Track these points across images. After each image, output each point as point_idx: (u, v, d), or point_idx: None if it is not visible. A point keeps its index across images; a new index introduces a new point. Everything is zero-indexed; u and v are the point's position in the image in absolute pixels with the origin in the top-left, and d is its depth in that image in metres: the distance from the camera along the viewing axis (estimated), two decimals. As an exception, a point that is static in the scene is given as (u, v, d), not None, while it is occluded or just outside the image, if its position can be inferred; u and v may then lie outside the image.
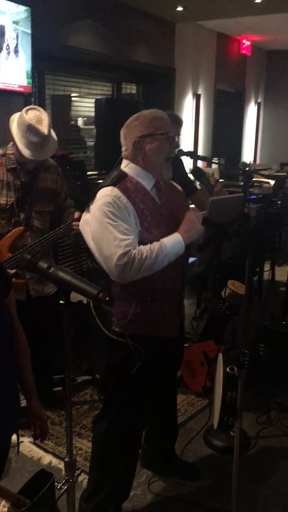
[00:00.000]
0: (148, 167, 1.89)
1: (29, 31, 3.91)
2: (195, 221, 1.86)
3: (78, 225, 2.32)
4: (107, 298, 1.17)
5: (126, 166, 1.90)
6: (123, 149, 1.93)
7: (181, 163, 3.19)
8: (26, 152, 2.40)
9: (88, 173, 4.71)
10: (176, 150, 2.64)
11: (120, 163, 1.94)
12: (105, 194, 1.81)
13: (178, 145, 1.92)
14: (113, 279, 1.82)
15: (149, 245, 1.80)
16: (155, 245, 1.80)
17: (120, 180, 1.85)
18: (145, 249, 1.78)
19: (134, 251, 1.75)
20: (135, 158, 1.89)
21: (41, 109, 2.47)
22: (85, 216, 1.90)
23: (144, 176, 1.89)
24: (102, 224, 1.78)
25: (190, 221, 1.87)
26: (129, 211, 1.81)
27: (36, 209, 2.58)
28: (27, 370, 1.52)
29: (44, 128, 2.39)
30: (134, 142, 1.87)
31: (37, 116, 2.41)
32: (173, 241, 1.82)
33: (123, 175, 1.88)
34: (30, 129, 2.37)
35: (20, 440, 1.58)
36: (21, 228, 2.51)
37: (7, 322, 1.33)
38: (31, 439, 2.68)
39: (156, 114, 1.91)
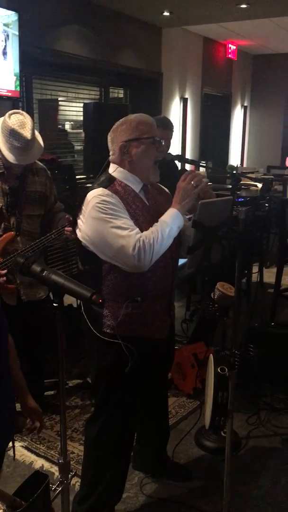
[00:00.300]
0: (135, 170, 1.91)
1: (17, 33, 3.92)
2: (186, 187, 1.88)
3: (69, 230, 2.35)
4: (100, 300, 1.18)
5: (114, 170, 1.93)
6: (110, 153, 1.95)
7: (176, 167, 3.22)
8: (10, 156, 2.41)
9: (77, 177, 4.72)
10: (164, 154, 2.66)
11: (108, 167, 1.96)
12: (97, 194, 1.82)
13: (165, 149, 1.95)
14: (130, 271, 1.82)
15: (150, 229, 1.83)
16: (157, 225, 1.83)
17: (109, 184, 1.88)
18: (149, 232, 1.81)
19: (142, 238, 1.77)
20: (122, 162, 1.91)
21: (25, 113, 2.47)
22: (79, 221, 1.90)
23: (132, 179, 1.91)
24: (102, 221, 1.78)
25: (182, 190, 1.89)
26: (122, 208, 1.83)
27: (26, 213, 2.58)
28: (17, 370, 1.54)
29: (27, 132, 2.40)
30: (120, 147, 1.89)
31: (20, 121, 2.41)
32: (171, 216, 1.85)
33: (112, 179, 1.90)
34: (12, 134, 2.38)
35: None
36: (12, 233, 2.51)
37: (3, 325, 1.35)
38: (23, 444, 2.70)
39: (141, 118, 1.93)
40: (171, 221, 1.84)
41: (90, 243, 1.85)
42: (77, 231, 1.90)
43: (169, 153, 2.89)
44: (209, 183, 1.94)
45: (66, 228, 2.43)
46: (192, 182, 1.88)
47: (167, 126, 3.16)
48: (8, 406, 1.41)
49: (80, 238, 1.89)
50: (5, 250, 2.48)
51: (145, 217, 1.88)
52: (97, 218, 1.79)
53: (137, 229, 1.80)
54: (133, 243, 1.75)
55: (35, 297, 2.66)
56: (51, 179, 2.73)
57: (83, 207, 1.85)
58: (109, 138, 1.95)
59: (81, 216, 1.87)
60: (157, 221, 1.88)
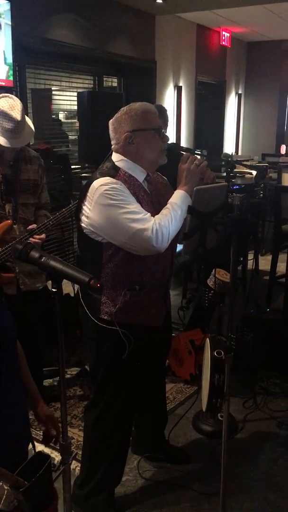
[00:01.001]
0: (139, 160, 1.91)
1: (10, 22, 3.90)
2: (189, 168, 1.91)
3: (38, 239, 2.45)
4: (98, 285, 1.20)
5: (118, 160, 1.92)
6: (113, 142, 1.93)
7: (177, 156, 3.24)
8: (2, 140, 2.41)
9: (72, 166, 4.72)
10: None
11: (110, 156, 1.96)
12: (105, 182, 1.83)
13: (168, 138, 1.96)
14: (144, 253, 1.85)
15: (162, 211, 1.87)
16: (168, 208, 1.88)
17: (115, 173, 1.88)
18: (162, 215, 1.85)
19: (157, 221, 1.81)
20: (126, 152, 1.91)
21: (14, 97, 2.48)
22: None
23: (136, 169, 1.92)
24: (114, 207, 1.79)
25: (185, 171, 1.92)
26: (130, 195, 1.85)
27: (21, 201, 2.59)
28: (28, 376, 1.51)
29: (17, 114, 2.40)
30: (126, 137, 1.88)
31: (10, 103, 2.41)
32: (179, 198, 1.89)
33: (116, 168, 1.90)
34: (3, 116, 2.38)
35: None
36: (9, 221, 2.52)
37: (12, 329, 1.35)
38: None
39: (146, 108, 1.92)
40: (180, 203, 1.89)
41: (99, 230, 1.86)
42: (83, 218, 1.90)
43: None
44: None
45: (34, 237, 2.47)
46: (195, 162, 1.92)
47: (161, 114, 3.18)
48: (20, 415, 1.39)
49: (85, 225, 1.89)
50: (3, 240, 2.48)
51: (149, 207, 1.90)
52: (108, 204, 1.81)
53: (149, 213, 1.83)
54: (151, 226, 1.79)
55: (34, 287, 2.68)
56: (43, 167, 2.73)
57: (89, 195, 1.85)
58: (111, 126, 1.93)
59: (86, 204, 1.87)
60: (158, 211, 1.90)
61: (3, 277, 2.49)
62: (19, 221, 2.57)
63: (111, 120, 1.94)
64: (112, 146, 1.95)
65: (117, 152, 1.93)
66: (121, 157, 1.92)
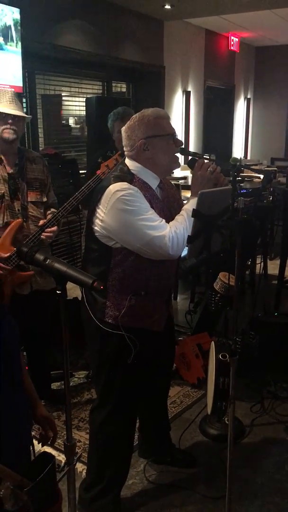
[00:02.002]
0: (153, 167, 1.92)
1: (19, 28, 3.96)
2: (204, 175, 1.92)
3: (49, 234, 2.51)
4: (101, 287, 1.21)
5: (132, 166, 1.92)
6: (126, 149, 1.93)
7: None
8: (6, 110, 2.49)
9: (80, 171, 4.76)
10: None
11: (122, 162, 1.97)
12: (122, 187, 1.83)
13: (182, 143, 1.97)
14: (158, 259, 1.88)
15: (176, 218, 1.90)
16: (183, 214, 1.90)
17: (131, 179, 1.88)
18: (177, 222, 1.87)
19: (173, 228, 1.84)
20: (141, 158, 1.91)
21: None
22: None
23: (149, 176, 1.93)
24: (131, 213, 1.81)
25: (200, 177, 1.93)
26: (146, 202, 1.86)
27: (30, 199, 2.62)
28: (27, 379, 1.53)
29: (7, 89, 2.48)
30: (140, 144, 1.88)
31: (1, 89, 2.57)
32: (194, 205, 1.88)
33: (131, 174, 1.90)
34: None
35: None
36: (20, 220, 2.55)
37: (16, 338, 1.36)
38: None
39: (159, 114, 1.92)
40: None
41: (113, 234, 1.87)
42: (96, 221, 1.90)
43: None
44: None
45: (45, 231, 2.52)
46: (210, 169, 1.93)
47: (125, 117, 3.18)
48: (22, 418, 1.41)
49: (98, 229, 1.90)
50: (16, 239, 2.52)
51: (162, 214, 1.91)
52: (124, 210, 1.82)
53: (164, 220, 1.85)
54: (167, 234, 1.81)
55: (44, 286, 2.71)
56: (47, 167, 2.78)
57: (104, 199, 1.86)
58: (124, 134, 1.93)
59: (100, 207, 1.88)
60: (170, 218, 1.92)
61: (22, 275, 2.53)
62: (30, 218, 2.61)
63: (123, 128, 1.94)
64: (126, 153, 1.95)
65: (130, 158, 1.93)
66: (135, 163, 1.92)
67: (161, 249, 1.83)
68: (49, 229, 2.54)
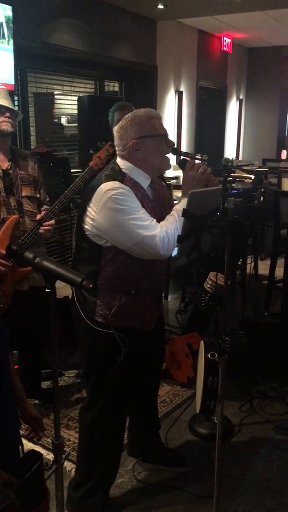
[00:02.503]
0: (145, 167, 1.92)
1: (12, 26, 3.94)
2: (195, 176, 1.93)
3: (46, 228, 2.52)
4: (90, 286, 1.22)
5: (123, 165, 1.92)
6: (118, 149, 1.93)
7: None
8: (2, 101, 2.52)
9: (72, 170, 4.75)
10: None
11: (114, 162, 1.97)
12: (113, 187, 1.84)
13: (173, 144, 1.98)
14: (148, 258, 1.89)
15: (167, 218, 1.91)
16: (173, 215, 1.91)
17: (122, 178, 1.88)
18: (168, 222, 1.88)
19: (164, 228, 1.85)
20: (132, 158, 1.91)
21: None
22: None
23: (140, 176, 1.93)
24: (122, 212, 1.81)
25: (191, 178, 1.94)
26: (137, 201, 1.87)
27: (24, 194, 2.63)
28: (15, 377, 1.52)
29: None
30: (133, 144, 1.88)
31: None
32: (184, 205, 1.89)
33: (122, 173, 1.91)
34: None
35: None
36: (16, 216, 2.56)
37: (3, 338, 1.36)
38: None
39: (151, 114, 1.93)
40: None
41: (103, 233, 1.88)
42: (87, 220, 1.90)
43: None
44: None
45: (43, 225, 2.53)
46: (201, 170, 1.94)
47: (125, 107, 3.20)
48: (12, 420, 1.40)
49: (89, 228, 1.90)
50: (14, 236, 2.53)
51: (153, 214, 1.91)
52: (115, 209, 1.82)
53: (155, 220, 1.86)
54: (158, 233, 1.82)
55: (41, 283, 2.71)
56: (39, 165, 2.79)
57: (95, 198, 1.86)
58: (116, 134, 1.93)
59: (91, 206, 1.88)
60: (161, 218, 1.92)
61: (23, 271, 2.53)
62: (26, 214, 2.61)
63: (116, 128, 1.94)
64: (118, 152, 1.95)
65: (122, 158, 1.93)
66: (127, 163, 1.92)
67: (151, 248, 1.84)
68: (46, 223, 2.55)
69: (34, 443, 2.67)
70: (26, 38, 4.40)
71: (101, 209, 1.84)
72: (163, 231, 1.84)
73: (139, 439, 2.51)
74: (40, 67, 5.06)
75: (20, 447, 1.50)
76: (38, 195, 2.71)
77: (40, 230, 2.54)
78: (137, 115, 1.91)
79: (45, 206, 2.75)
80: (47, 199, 2.82)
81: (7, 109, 2.53)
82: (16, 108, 2.66)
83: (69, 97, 5.68)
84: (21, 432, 1.62)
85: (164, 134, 1.93)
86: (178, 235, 1.83)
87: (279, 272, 4.50)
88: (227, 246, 1.71)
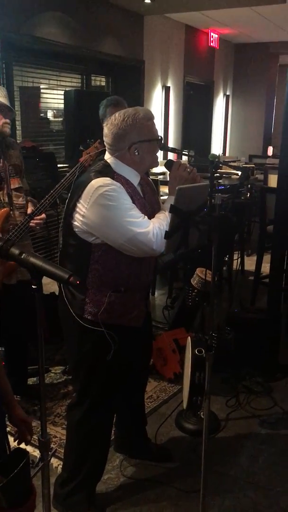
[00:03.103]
0: (137, 166, 1.91)
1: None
2: (182, 175, 1.95)
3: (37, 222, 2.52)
4: (78, 282, 1.20)
5: (113, 163, 1.90)
6: (112, 148, 1.89)
7: None
8: (6, 102, 2.52)
9: (58, 165, 4.71)
10: None
11: (102, 159, 1.95)
12: (105, 183, 1.82)
13: (162, 145, 1.98)
14: (140, 255, 1.89)
15: (157, 216, 1.92)
16: (163, 212, 1.92)
17: (112, 175, 1.86)
18: (159, 219, 1.89)
19: (156, 224, 1.86)
20: (125, 159, 1.89)
21: None
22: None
23: (131, 173, 1.91)
24: (114, 208, 1.80)
25: (178, 177, 1.95)
26: (129, 198, 1.86)
27: (13, 187, 2.62)
28: (3, 377, 1.50)
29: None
30: (131, 148, 1.86)
31: None
32: (172, 202, 1.89)
33: (111, 171, 1.88)
34: None
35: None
36: (7, 209, 2.54)
37: None
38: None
39: (150, 116, 1.90)
40: None
41: (94, 230, 1.86)
42: (76, 216, 1.88)
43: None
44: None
45: (34, 219, 2.52)
46: (188, 170, 1.95)
47: (119, 103, 3.21)
48: None
49: (79, 224, 1.88)
50: (3, 229, 2.51)
51: (143, 211, 1.91)
52: (107, 205, 1.80)
53: (146, 216, 1.86)
54: (151, 229, 1.82)
55: (28, 277, 2.69)
56: (21, 151, 2.79)
57: (85, 194, 1.84)
58: (110, 132, 1.87)
59: (81, 202, 1.85)
60: (151, 215, 1.92)
61: (12, 265, 2.51)
62: (15, 207, 2.60)
63: (111, 125, 1.87)
64: (109, 151, 1.92)
65: (115, 157, 1.90)
66: (118, 161, 1.90)
67: (145, 245, 1.83)
68: (38, 217, 2.55)
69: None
70: (12, 31, 4.35)
71: (92, 206, 1.82)
72: (156, 228, 1.84)
73: (126, 435, 2.51)
74: (26, 61, 5.01)
75: (6, 443, 1.49)
76: (21, 185, 2.70)
77: (31, 224, 2.52)
78: (138, 118, 1.85)
79: (29, 198, 2.74)
80: (28, 188, 2.82)
81: (10, 109, 2.52)
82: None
83: (55, 91, 5.63)
84: (8, 429, 1.60)
85: (160, 138, 1.94)
86: (166, 230, 1.83)
87: (265, 268, 4.53)
88: (214, 242, 1.71)
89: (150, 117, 1.90)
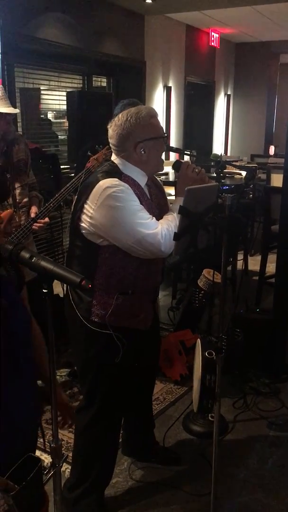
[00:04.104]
0: (144, 166, 1.89)
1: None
2: (190, 176, 1.94)
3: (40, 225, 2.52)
4: (89, 286, 1.18)
5: (121, 164, 1.88)
6: (118, 149, 1.88)
7: None
8: (3, 109, 2.47)
9: (61, 166, 4.69)
10: None
11: (110, 160, 1.94)
12: (113, 184, 1.80)
13: (167, 142, 1.98)
14: (149, 257, 1.88)
15: (165, 217, 1.91)
16: (172, 214, 1.90)
17: (120, 176, 1.85)
18: (167, 221, 1.87)
19: (164, 226, 1.84)
20: (133, 159, 1.87)
21: None
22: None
23: (138, 174, 1.90)
24: (122, 209, 1.78)
25: (186, 178, 1.94)
26: (137, 199, 1.84)
27: (18, 184, 2.60)
28: (45, 361, 1.45)
29: None
30: (137, 147, 1.84)
31: None
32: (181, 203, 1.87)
33: (119, 171, 1.87)
34: None
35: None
36: (10, 210, 2.52)
37: (25, 322, 1.32)
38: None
39: (153, 113, 1.89)
40: None
41: (102, 231, 1.84)
42: (83, 217, 1.86)
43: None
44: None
45: (38, 221, 2.51)
46: (196, 170, 1.94)
47: (135, 104, 3.19)
48: (28, 422, 1.36)
49: (86, 226, 1.86)
50: (6, 231, 2.48)
51: (151, 212, 1.89)
52: (115, 206, 1.78)
53: (154, 218, 1.85)
54: (159, 230, 1.81)
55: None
56: (27, 144, 2.77)
57: (93, 195, 1.82)
58: (115, 133, 1.86)
59: (89, 203, 1.83)
60: (158, 217, 1.90)
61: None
62: (19, 208, 2.58)
63: (115, 126, 1.86)
64: (116, 152, 1.90)
65: (121, 157, 1.88)
66: (125, 161, 1.88)
67: (153, 247, 1.82)
68: (42, 221, 2.54)
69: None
70: (13, 32, 4.33)
71: (100, 207, 1.80)
72: (164, 229, 1.83)
73: (134, 438, 2.49)
74: (27, 62, 4.99)
75: (39, 433, 1.46)
76: (28, 179, 2.69)
77: (33, 227, 2.51)
78: (141, 116, 1.84)
79: (34, 192, 2.72)
80: (35, 181, 2.81)
81: (11, 115, 2.51)
82: (10, 105, 2.58)
83: (56, 93, 5.61)
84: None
85: (166, 135, 1.93)
86: (175, 232, 1.81)
87: (269, 268, 4.51)
88: (224, 244, 1.69)
89: (153, 115, 1.89)
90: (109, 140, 1.91)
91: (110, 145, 1.92)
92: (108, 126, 1.90)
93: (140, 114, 1.85)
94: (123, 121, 1.84)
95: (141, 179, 1.91)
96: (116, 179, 1.82)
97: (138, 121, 1.83)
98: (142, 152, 1.85)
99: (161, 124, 1.93)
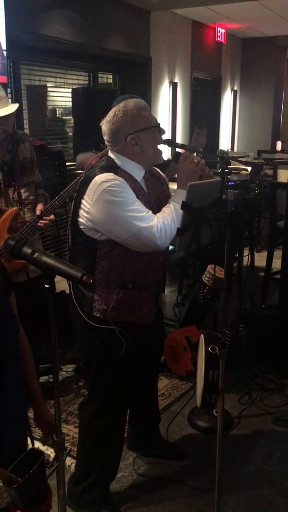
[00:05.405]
0: (139, 159, 1.90)
1: (4, 18, 3.88)
2: (190, 167, 1.93)
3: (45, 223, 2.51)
4: (91, 281, 1.19)
5: (117, 159, 1.89)
6: (111, 143, 1.89)
7: None
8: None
9: (67, 163, 4.70)
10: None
11: (106, 156, 1.95)
12: (108, 178, 1.81)
13: (164, 131, 1.96)
14: (145, 250, 1.87)
15: (163, 210, 1.89)
16: (169, 206, 1.89)
17: (116, 171, 1.86)
18: (164, 214, 1.86)
19: (160, 219, 1.83)
20: (127, 153, 1.88)
21: None
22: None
23: (135, 168, 1.90)
24: (118, 203, 1.79)
25: (185, 170, 1.93)
26: (133, 193, 1.84)
27: (23, 182, 2.60)
28: (33, 378, 1.48)
29: None
30: (129, 139, 1.85)
31: None
32: (180, 197, 1.89)
33: (115, 166, 1.88)
34: None
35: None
36: (16, 208, 2.53)
37: (12, 329, 1.32)
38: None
39: (141, 105, 1.90)
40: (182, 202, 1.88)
41: (99, 226, 1.85)
42: (81, 213, 1.87)
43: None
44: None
45: (44, 218, 2.52)
46: (195, 161, 1.93)
47: None
48: (18, 422, 1.36)
49: (84, 221, 1.87)
50: (11, 228, 2.50)
51: (148, 205, 1.89)
52: (111, 201, 1.79)
53: (151, 211, 1.84)
54: (155, 224, 1.80)
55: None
56: (32, 144, 2.76)
57: (89, 190, 1.83)
58: (107, 128, 1.88)
59: (86, 199, 1.85)
60: (156, 211, 1.90)
61: (18, 263, 2.51)
62: (25, 205, 2.59)
63: (106, 123, 1.88)
64: (110, 148, 1.91)
65: (116, 152, 1.90)
66: (120, 156, 1.89)
67: (149, 240, 1.81)
68: (47, 218, 2.54)
69: (34, 438, 2.66)
70: (19, 29, 4.34)
71: (96, 202, 1.82)
72: (160, 222, 1.82)
73: (139, 433, 2.50)
74: (33, 59, 5.00)
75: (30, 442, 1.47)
76: (34, 178, 2.69)
77: (39, 224, 2.52)
78: (129, 109, 1.86)
79: (40, 191, 2.72)
80: (41, 179, 2.81)
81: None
82: (10, 102, 2.56)
83: (62, 89, 5.62)
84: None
85: (158, 124, 1.91)
86: (178, 228, 1.81)
87: (275, 264, 4.50)
88: (227, 239, 1.69)
89: (140, 107, 1.89)
90: (103, 137, 1.93)
91: (105, 141, 1.93)
92: (101, 124, 1.92)
93: (127, 107, 1.87)
94: (112, 116, 1.87)
95: (138, 173, 1.92)
96: (112, 174, 1.83)
97: (125, 113, 1.85)
98: (134, 144, 1.86)
99: (166, 121, 1.93)
